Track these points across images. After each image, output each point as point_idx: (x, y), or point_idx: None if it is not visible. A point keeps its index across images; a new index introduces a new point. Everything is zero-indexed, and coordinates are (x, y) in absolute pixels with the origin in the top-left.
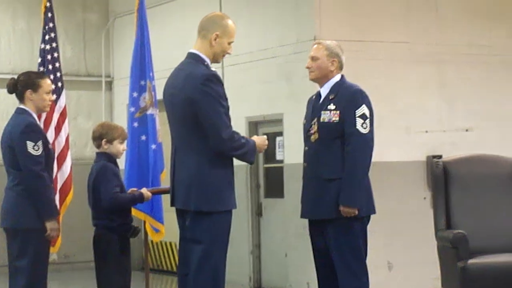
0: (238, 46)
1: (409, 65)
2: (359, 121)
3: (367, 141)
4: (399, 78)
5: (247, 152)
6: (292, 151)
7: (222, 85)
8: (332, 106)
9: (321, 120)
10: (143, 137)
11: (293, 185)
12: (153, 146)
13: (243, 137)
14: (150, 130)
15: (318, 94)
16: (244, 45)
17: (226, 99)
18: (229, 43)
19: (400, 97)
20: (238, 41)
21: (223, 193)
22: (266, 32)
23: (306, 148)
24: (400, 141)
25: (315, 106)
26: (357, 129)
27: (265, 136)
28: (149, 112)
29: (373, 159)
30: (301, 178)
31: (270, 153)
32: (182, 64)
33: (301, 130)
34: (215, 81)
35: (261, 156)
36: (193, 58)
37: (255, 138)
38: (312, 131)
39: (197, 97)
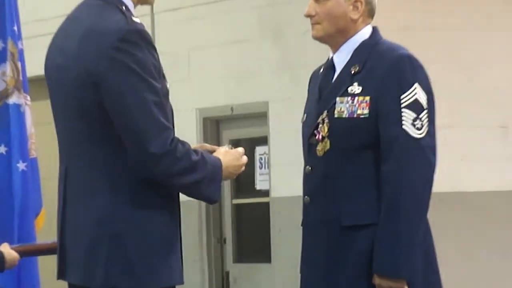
0: None
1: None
2: (408, 116)
3: (424, 153)
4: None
5: (202, 180)
6: (284, 174)
7: (154, 49)
8: (356, 88)
9: (336, 114)
10: (1, 149)
11: (287, 239)
12: (21, 165)
13: (195, 152)
14: (15, 136)
15: (330, 66)
16: None
17: (162, 77)
18: None
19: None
20: None
21: (158, 258)
22: None
23: (309, 167)
24: (492, 153)
25: (324, 87)
26: (405, 131)
27: (240, 149)
28: (11, 100)
29: (436, 188)
30: (299, 224)
31: (244, 179)
32: (79, 9)
33: (298, 134)
34: (140, 42)
35: (227, 185)
36: None
37: (220, 152)
38: (318, 136)
39: (104, 74)
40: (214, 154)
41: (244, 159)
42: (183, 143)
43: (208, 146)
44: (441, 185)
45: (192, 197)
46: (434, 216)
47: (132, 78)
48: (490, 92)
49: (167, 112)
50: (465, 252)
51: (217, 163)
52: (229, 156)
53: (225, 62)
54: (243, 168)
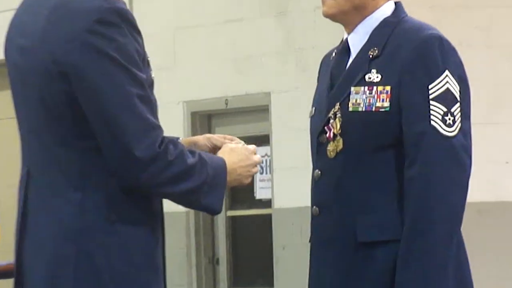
0: None
1: None
2: (437, 110)
3: (457, 154)
4: None
5: (200, 187)
6: (289, 181)
7: (137, 33)
8: (374, 75)
9: (350, 107)
10: None
11: (293, 258)
12: None
13: (191, 153)
14: None
15: (344, 49)
16: None
17: (147, 65)
18: None
19: None
20: None
21: (136, 283)
22: None
23: (318, 172)
24: None
25: (337, 75)
26: (434, 128)
27: (252, 147)
28: None
29: (474, 196)
30: (307, 240)
31: (241, 188)
32: None
33: (306, 131)
34: (120, 24)
35: None
36: None
37: (226, 150)
38: (329, 134)
39: (76, 62)
40: (219, 152)
41: (256, 158)
42: (176, 143)
43: (217, 138)
44: (481, 193)
45: (189, 207)
46: (471, 230)
47: (111, 68)
48: None
49: (154, 108)
50: (508, 272)
51: (220, 165)
52: (236, 154)
53: (218, 45)
54: (256, 169)
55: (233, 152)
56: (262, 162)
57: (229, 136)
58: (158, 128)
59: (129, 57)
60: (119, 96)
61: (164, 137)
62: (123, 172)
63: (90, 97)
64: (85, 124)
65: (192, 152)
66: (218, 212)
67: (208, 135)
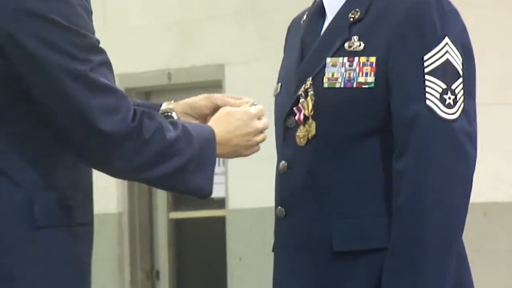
0: None
1: None
2: (434, 86)
3: (458, 141)
4: None
5: (184, 166)
6: (247, 176)
7: None
8: (356, 43)
9: (325, 82)
10: None
11: (251, 270)
12: None
13: (172, 125)
14: None
15: (318, 11)
16: None
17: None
18: None
19: None
20: None
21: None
22: None
23: (284, 163)
24: None
25: (309, 43)
26: (430, 109)
27: (256, 108)
28: None
29: (477, 196)
30: (270, 249)
31: None
32: None
33: (270, 113)
34: None
35: (161, 193)
36: None
37: (222, 115)
38: (299, 116)
39: (11, 29)
40: (213, 118)
41: (260, 124)
42: (151, 115)
43: (218, 97)
44: (488, 192)
45: (173, 191)
46: (475, 236)
47: (55, 36)
48: None
49: (112, 72)
50: None
51: (208, 137)
52: (232, 121)
53: (159, 5)
54: (260, 138)
55: (230, 117)
56: None
57: (235, 97)
58: (125, 97)
59: (77, 19)
60: (69, 64)
61: (136, 109)
62: (90, 155)
63: (32, 70)
64: (17, 106)
65: (174, 124)
66: (209, 194)
67: (206, 95)
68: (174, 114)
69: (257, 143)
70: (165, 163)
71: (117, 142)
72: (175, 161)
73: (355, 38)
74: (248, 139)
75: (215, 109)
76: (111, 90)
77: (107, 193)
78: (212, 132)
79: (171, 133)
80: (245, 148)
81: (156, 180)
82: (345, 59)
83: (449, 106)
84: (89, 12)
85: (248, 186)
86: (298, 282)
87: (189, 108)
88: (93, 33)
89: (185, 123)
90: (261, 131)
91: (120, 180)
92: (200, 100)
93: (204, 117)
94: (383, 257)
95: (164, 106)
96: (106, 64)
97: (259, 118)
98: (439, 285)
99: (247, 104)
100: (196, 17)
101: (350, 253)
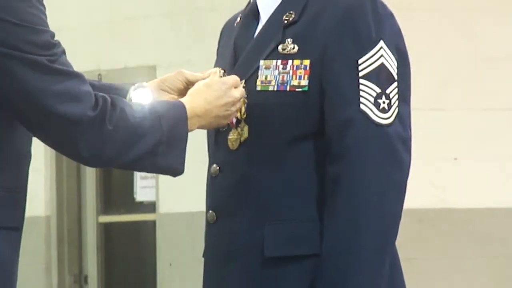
0: None
1: None
2: (368, 90)
3: (392, 146)
4: None
5: (154, 148)
6: (178, 179)
7: None
8: (289, 46)
9: (258, 85)
10: None
11: (182, 276)
12: None
13: (138, 106)
14: None
15: (252, 12)
16: None
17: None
18: None
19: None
20: None
21: None
22: None
23: (216, 167)
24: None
25: (242, 45)
26: (364, 113)
27: (230, 78)
28: None
29: (411, 202)
30: (200, 254)
31: (116, 185)
32: None
33: None
34: None
35: (90, 195)
36: None
37: (195, 89)
38: (230, 120)
39: None
40: (190, 91)
41: (237, 93)
42: (113, 101)
43: (191, 73)
44: (423, 199)
45: (146, 172)
46: (410, 244)
47: (11, 34)
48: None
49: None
50: None
51: (178, 115)
52: (211, 91)
53: (89, 6)
54: (237, 107)
55: (208, 88)
56: None
57: (202, 72)
58: (86, 83)
59: (25, 16)
60: (27, 57)
61: (97, 96)
62: (56, 142)
63: None
64: None
65: (140, 106)
66: (181, 172)
67: (179, 71)
68: (147, 90)
69: (234, 112)
70: (133, 148)
71: (80, 129)
72: (143, 144)
73: (289, 40)
74: (227, 108)
75: (188, 84)
76: (71, 75)
77: (35, 196)
78: (183, 109)
79: (136, 116)
80: (224, 118)
81: (126, 165)
82: (279, 61)
83: (383, 111)
84: (43, 10)
85: (179, 190)
86: None
87: (163, 84)
88: (45, 25)
89: (154, 103)
90: (238, 100)
91: (48, 183)
92: (173, 75)
93: (180, 92)
94: (315, 265)
95: (136, 85)
96: (64, 54)
97: (235, 87)
98: (375, 281)
99: (215, 74)
100: (127, 15)
101: (282, 259)
